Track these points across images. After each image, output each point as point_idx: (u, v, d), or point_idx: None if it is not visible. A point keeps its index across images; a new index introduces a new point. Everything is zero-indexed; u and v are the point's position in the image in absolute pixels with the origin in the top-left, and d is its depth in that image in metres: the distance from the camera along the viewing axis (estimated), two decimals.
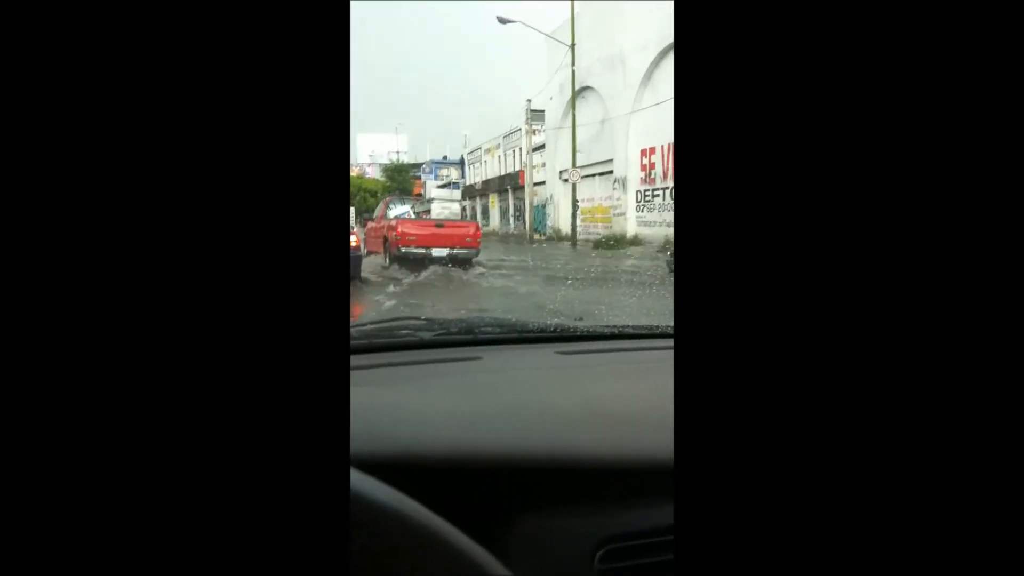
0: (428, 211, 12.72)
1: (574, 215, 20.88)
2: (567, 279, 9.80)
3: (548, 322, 1.47)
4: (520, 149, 30.97)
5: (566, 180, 21.59)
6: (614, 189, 22.12)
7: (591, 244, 19.82)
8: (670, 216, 17.99)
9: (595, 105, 22.88)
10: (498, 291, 8.79)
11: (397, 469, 0.50)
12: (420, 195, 19.70)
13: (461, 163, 43.44)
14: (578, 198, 20.98)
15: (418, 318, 1.42)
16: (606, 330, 1.45)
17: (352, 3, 0.46)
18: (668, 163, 19.22)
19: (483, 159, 38.84)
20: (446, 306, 7.04)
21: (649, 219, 20.23)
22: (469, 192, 38.61)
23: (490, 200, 37.04)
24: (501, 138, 35.40)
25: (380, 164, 49.69)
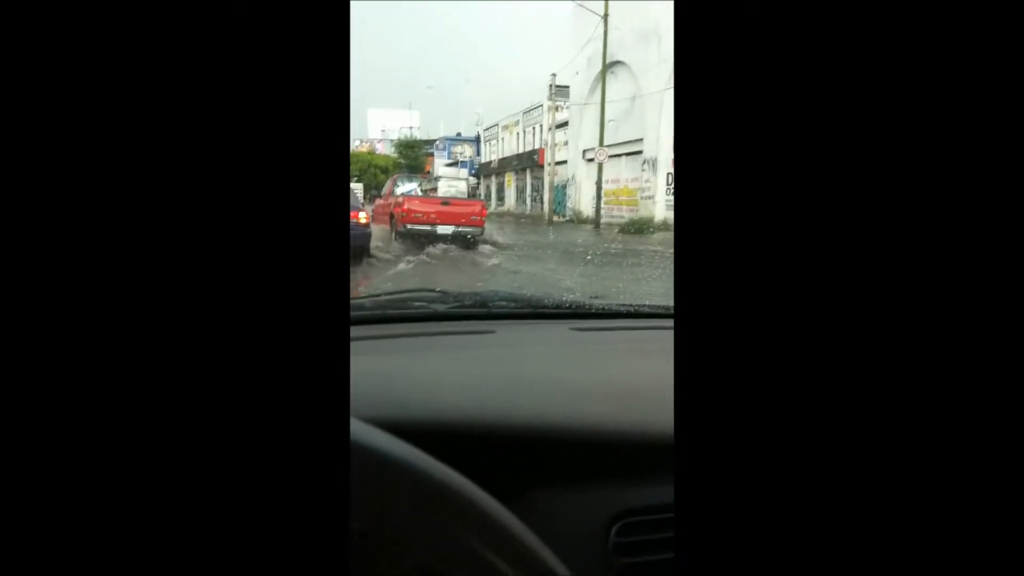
0: (435, 189, 12.86)
1: (599, 196, 19.59)
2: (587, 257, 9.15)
3: (563, 298, 1.43)
4: (541, 126, 29.59)
5: (591, 160, 20.30)
6: (643, 170, 20.70)
7: (616, 228, 18.49)
8: None
9: (626, 81, 21.39)
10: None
11: (408, 435, 0.49)
12: (428, 173, 20.12)
13: (476, 140, 42.11)
14: (603, 179, 19.62)
15: (432, 290, 1.40)
16: (621, 308, 1.42)
17: None
18: None
19: (500, 136, 37.30)
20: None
21: None
22: (484, 170, 37.32)
23: (506, 179, 35.61)
24: (521, 114, 33.85)
25: (391, 140, 48.65)
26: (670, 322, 1.29)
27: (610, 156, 19.69)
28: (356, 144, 48.00)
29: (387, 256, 9.77)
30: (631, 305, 1.43)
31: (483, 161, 38.78)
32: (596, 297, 1.56)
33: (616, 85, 20.94)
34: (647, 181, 20.48)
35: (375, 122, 58.53)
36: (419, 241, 10.91)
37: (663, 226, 17.82)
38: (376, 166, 38.31)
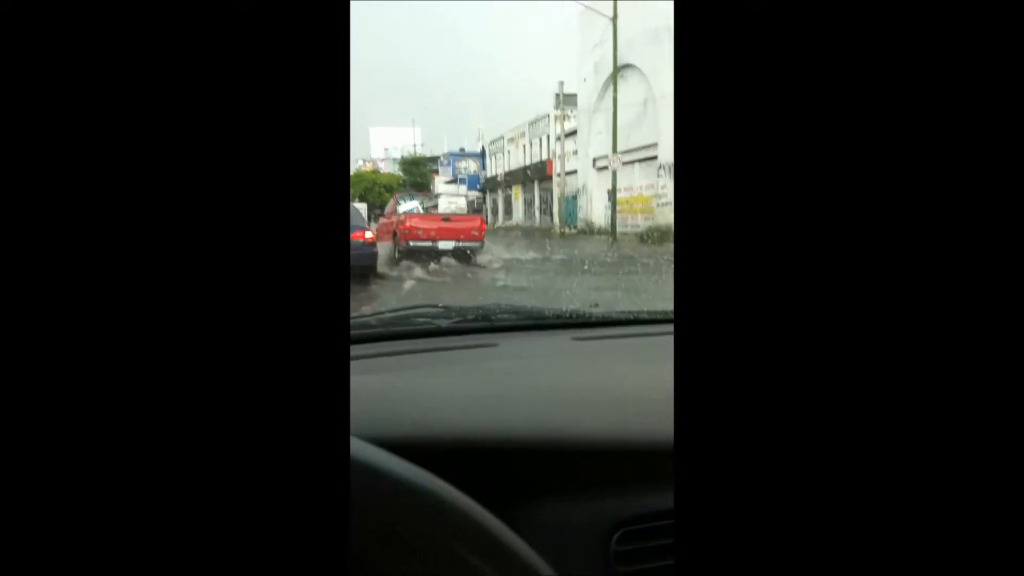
0: (436, 206, 13.13)
1: (614, 206, 18.61)
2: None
3: (564, 308, 1.46)
4: (548, 137, 28.71)
5: (604, 167, 19.38)
6: (659, 176, 19.72)
7: (635, 238, 17.50)
8: None
9: (636, 84, 20.46)
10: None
11: (413, 452, 0.51)
12: (429, 191, 20.18)
13: (481, 154, 41.27)
14: (616, 187, 18.66)
15: (435, 306, 1.43)
16: (622, 316, 1.48)
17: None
18: None
19: (506, 149, 36.41)
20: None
21: None
22: (491, 184, 36.44)
23: (513, 192, 34.70)
24: (527, 126, 32.97)
25: (393, 159, 47.98)
26: (669, 327, 1.23)
27: (624, 163, 18.76)
28: (359, 164, 47.29)
29: (394, 274, 9.84)
30: (631, 312, 1.50)
31: (489, 175, 37.93)
32: (595, 306, 1.67)
33: (627, 89, 20.00)
34: (663, 187, 19.46)
35: (377, 141, 57.97)
36: (422, 258, 11.16)
37: None
38: (380, 184, 37.52)
